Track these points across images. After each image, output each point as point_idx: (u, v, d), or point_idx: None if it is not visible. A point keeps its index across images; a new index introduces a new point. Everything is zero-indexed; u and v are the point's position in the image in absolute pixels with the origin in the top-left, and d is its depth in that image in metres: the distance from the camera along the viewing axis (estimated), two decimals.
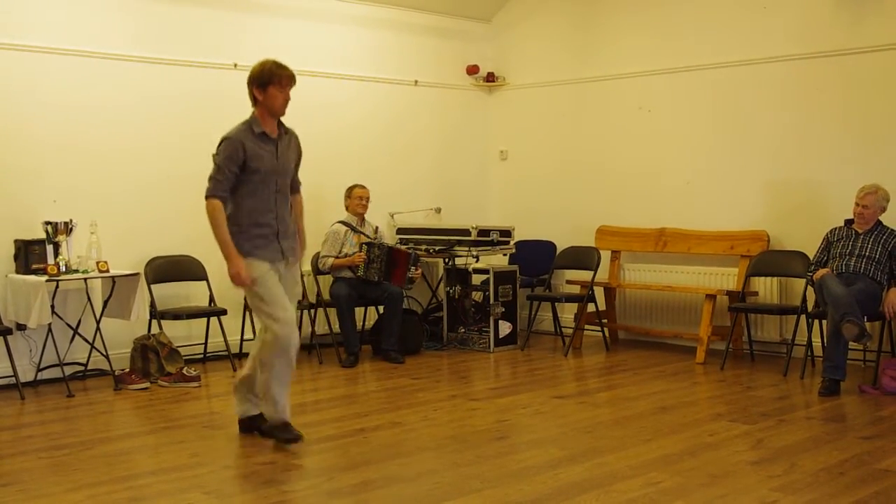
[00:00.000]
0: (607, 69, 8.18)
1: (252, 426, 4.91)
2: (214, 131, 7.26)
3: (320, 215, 7.21)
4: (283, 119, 4.77)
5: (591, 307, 7.64)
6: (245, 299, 4.85)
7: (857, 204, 6.20)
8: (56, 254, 6.06)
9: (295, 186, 4.93)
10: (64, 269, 6.04)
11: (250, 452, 4.65)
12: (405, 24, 8.34)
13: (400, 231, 8.01)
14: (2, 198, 6.17)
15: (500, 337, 7.60)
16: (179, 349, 6.55)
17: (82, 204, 6.40)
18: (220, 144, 4.63)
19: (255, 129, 4.64)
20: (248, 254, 4.60)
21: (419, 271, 7.47)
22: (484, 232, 7.64)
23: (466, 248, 7.61)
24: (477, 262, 7.69)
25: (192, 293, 7.03)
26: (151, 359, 6.35)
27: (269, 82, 4.63)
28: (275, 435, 4.72)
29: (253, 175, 4.60)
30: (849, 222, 6.34)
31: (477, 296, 7.66)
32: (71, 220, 6.14)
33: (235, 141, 4.59)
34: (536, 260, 8.29)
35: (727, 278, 7.34)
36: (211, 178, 4.61)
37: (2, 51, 6.16)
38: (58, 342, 6.15)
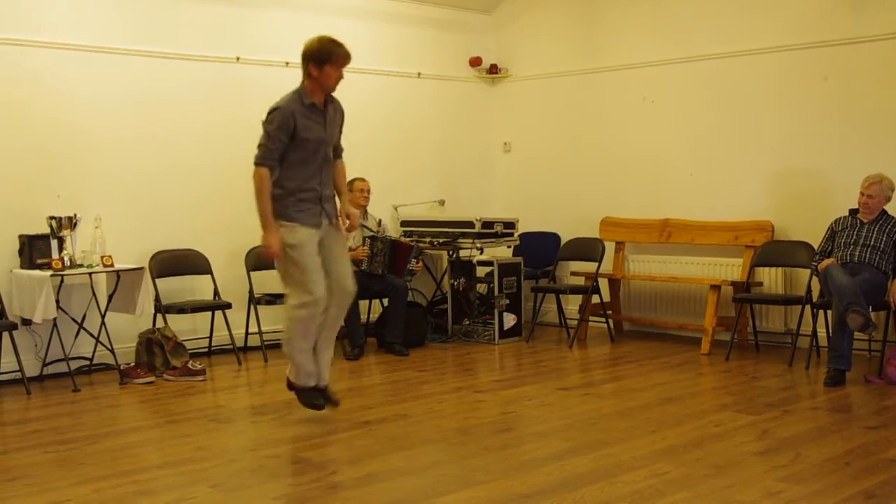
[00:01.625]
0: (610, 60, 8.16)
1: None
2: (218, 124, 7.30)
3: None
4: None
5: (595, 298, 7.64)
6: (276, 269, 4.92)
7: (861, 194, 6.19)
8: (60, 249, 6.07)
9: (338, 152, 5.04)
10: (68, 264, 6.05)
11: (256, 446, 4.66)
12: (408, 17, 8.33)
13: (404, 223, 8.00)
14: (6, 193, 6.17)
15: (505, 329, 7.60)
16: (184, 343, 6.55)
17: (86, 199, 6.40)
18: (270, 113, 4.72)
19: (304, 100, 4.74)
20: (293, 219, 4.73)
21: (420, 264, 7.48)
22: (488, 224, 7.63)
23: (470, 240, 7.61)
24: (481, 254, 7.69)
25: (197, 287, 7.03)
26: (157, 353, 6.36)
27: (328, 60, 4.70)
28: (300, 399, 4.93)
29: (303, 144, 4.72)
30: (853, 212, 6.33)
31: (481, 288, 7.66)
32: (75, 215, 6.14)
33: (287, 111, 4.68)
34: (541, 252, 8.29)
35: (732, 269, 7.33)
36: (261, 146, 4.70)
37: (4, 46, 6.16)
38: (63, 337, 6.15)
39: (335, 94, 4.91)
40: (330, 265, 4.88)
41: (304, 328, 4.79)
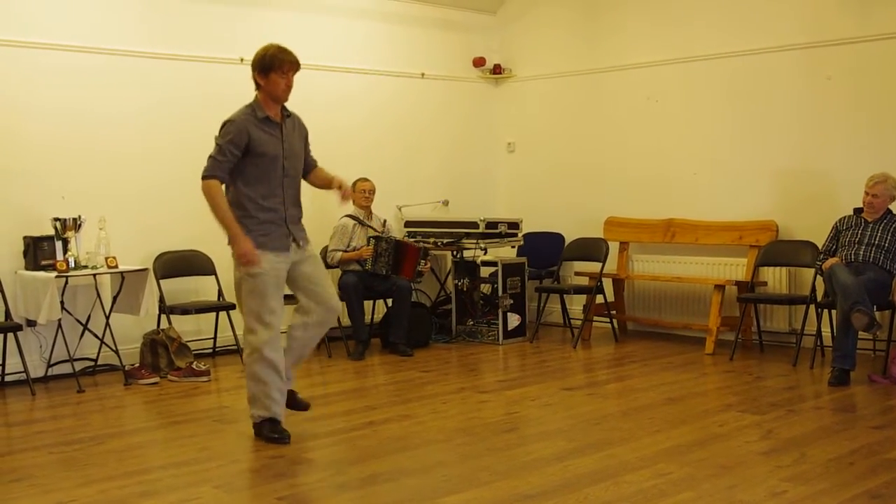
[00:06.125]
0: (615, 60, 8.15)
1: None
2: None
3: (327, 209, 7.20)
4: (287, 107, 4.74)
5: (599, 298, 7.63)
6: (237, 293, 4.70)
7: (866, 193, 6.18)
8: (65, 250, 6.08)
9: (311, 165, 4.89)
10: (73, 265, 6.06)
11: (260, 446, 4.65)
12: (411, 17, 8.33)
13: (408, 224, 8.01)
14: (10, 195, 6.19)
15: (509, 329, 7.60)
16: (189, 344, 6.57)
17: (91, 200, 6.40)
18: (223, 127, 4.57)
19: (258, 114, 4.59)
20: (257, 245, 4.53)
21: (428, 265, 7.48)
22: (492, 224, 7.64)
23: (474, 241, 7.61)
24: (485, 254, 7.70)
25: (201, 288, 7.04)
26: (161, 354, 6.37)
27: (271, 68, 4.56)
28: (261, 432, 4.69)
29: (259, 159, 4.55)
30: (858, 211, 6.32)
31: (485, 288, 7.66)
32: (79, 217, 6.15)
33: (240, 124, 4.53)
34: (545, 252, 8.29)
35: (736, 268, 7.32)
36: (210, 158, 4.54)
37: (8, 48, 6.17)
38: (68, 338, 6.17)
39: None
40: (311, 287, 4.70)
41: (263, 364, 4.56)
